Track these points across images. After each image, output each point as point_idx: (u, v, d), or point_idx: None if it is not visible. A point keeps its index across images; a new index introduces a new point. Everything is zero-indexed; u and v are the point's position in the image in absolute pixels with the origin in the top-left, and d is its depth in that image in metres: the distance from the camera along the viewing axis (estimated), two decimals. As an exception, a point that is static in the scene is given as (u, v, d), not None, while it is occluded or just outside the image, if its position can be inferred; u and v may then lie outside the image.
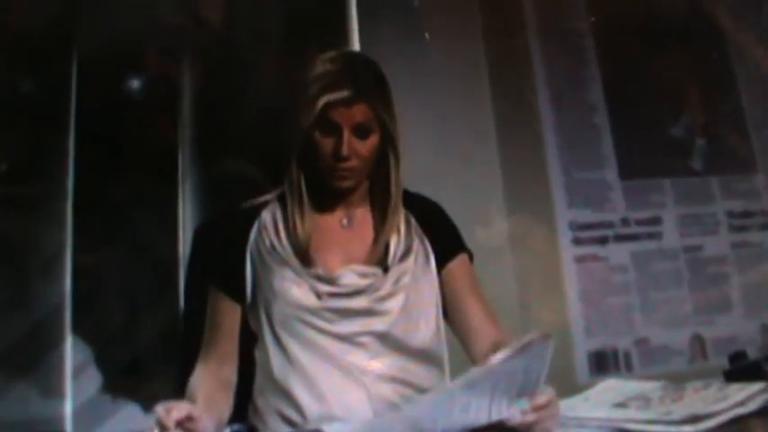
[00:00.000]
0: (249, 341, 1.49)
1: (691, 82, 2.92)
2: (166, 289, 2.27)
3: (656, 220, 2.75)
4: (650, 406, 1.28)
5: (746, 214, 2.84)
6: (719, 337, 2.67)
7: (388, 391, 1.41)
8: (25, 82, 2.36)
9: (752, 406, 1.23)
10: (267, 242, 1.48)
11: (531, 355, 1.12)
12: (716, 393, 1.30)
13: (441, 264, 1.52)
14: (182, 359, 1.59)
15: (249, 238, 1.50)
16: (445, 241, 1.55)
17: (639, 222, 2.73)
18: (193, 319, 1.56)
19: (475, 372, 1.13)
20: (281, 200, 1.52)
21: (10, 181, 2.32)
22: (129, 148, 2.36)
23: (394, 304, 1.44)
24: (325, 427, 1.08)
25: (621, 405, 1.31)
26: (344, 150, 1.41)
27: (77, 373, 2.23)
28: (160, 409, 1.20)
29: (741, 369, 1.42)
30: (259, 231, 1.50)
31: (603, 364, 2.57)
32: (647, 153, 2.78)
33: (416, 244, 1.51)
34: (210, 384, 1.44)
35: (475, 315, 1.52)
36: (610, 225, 2.69)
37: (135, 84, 2.45)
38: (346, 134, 1.41)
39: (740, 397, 1.25)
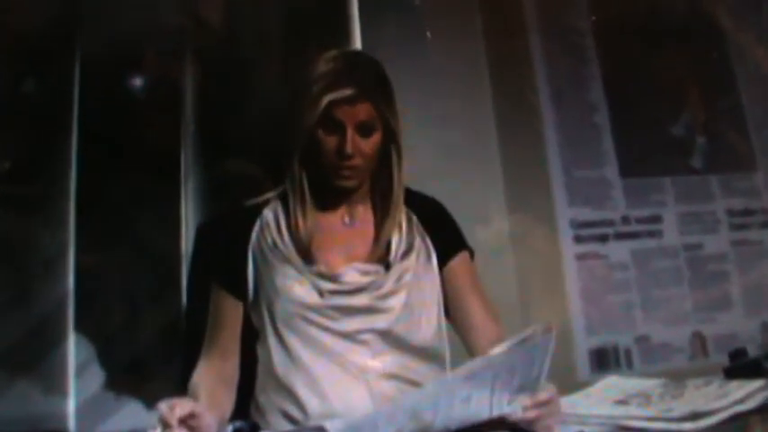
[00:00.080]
0: (251, 338, 1.49)
1: (691, 81, 2.92)
2: (168, 288, 2.28)
3: (656, 219, 2.74)
4: (651, 403, 1.28)
5: (746, 212, 2.84)
6: (720, 335, 2.67)
7: (389, 388, 1.41)
8: (27, 82, 2.37)
9: (752, 403, 1.23)
10: (269, 240, 1.49)
11: (534, 347, 1.12)
12: (716, 390, 1.30)
13: (442, 261, 1.53)
14: (184, 356, 1.60)
15: (251, 236, 1.50)
16: (446, 239, 1.56)
17: (640, 220, 2.73)
18: (196, 316, 1.56)
19: (476, 362, 1.13)
20: (283, 198, 1.52)
21: (12, 181, 2.32)
22: (130, 147, 2.36)
23: (395, 302, 1.45)
24: (326, 423, 1.08)
25: (622, 402, 1.31)
26: (348, 148, 1.41)
27: (80, 370, 2.24)
28: (163, 406, 1.20)
29: (741, 366, 1.43)
30: (261, 229, 1.50)
31: (604, 361, 2.58)
32: (648, 152, 2.78)
33: (418, 242, 1.52)
34: (213, 381, 1.45)
35: (476, 312, 1.52)
36: (610, 223, 2.69)
37: (137, 84, 2.46)
38: (350, 132, 1.41)
39: (740, 394, 1.25)
